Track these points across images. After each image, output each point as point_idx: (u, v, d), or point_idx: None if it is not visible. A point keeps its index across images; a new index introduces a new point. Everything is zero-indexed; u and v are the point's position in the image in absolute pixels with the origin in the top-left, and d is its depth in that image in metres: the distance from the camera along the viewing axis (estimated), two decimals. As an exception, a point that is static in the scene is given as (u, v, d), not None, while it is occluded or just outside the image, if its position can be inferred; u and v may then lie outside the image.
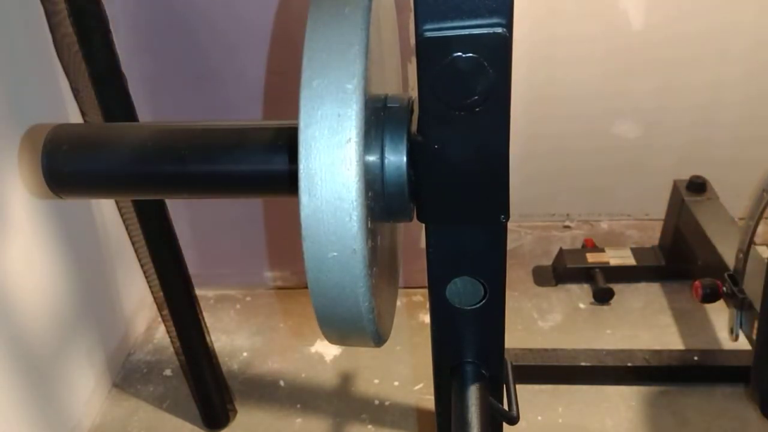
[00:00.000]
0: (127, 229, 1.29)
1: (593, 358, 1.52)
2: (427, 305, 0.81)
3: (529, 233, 1.95)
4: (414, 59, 0.61)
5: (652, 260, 1.84)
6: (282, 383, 1.61)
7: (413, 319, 1.78)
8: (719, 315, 1.70)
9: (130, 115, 1.16)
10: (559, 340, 1.67)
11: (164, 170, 0.73)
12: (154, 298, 1.36)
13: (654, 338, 1.66)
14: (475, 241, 0.69)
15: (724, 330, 1.66)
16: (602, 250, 1.88)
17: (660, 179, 1.83)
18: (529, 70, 1.67)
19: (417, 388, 1.57)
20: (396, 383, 1.58)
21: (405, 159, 0.64)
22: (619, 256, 1.85)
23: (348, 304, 0.59)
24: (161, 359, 1.70)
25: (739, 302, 1.35)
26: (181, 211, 1.76)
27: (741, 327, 1.36)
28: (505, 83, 0.59)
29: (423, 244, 0.71)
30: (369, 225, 0.57)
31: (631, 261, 1.84)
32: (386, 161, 0.64)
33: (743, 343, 1.39)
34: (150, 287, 1.35)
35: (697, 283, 1.41)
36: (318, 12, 0.58)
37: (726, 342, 1.62)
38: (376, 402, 1.53)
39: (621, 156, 1.81)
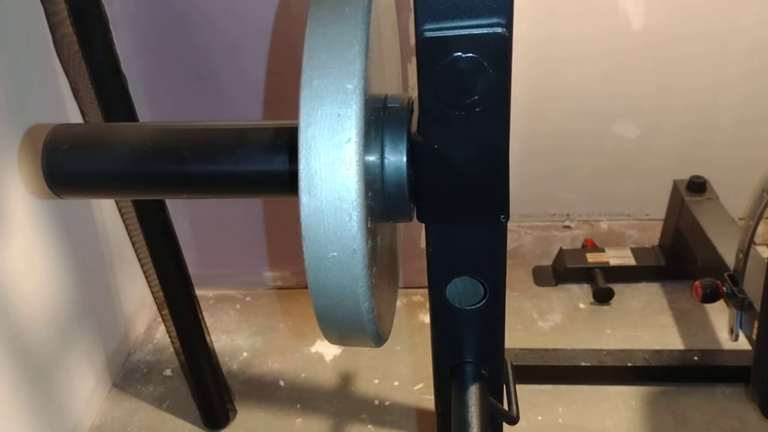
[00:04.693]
0: (127, 229, 1.29)
1: (593, 358, 1.52)
2: (427, 305, 0.81)
3: (529, 233, 1.95)
4: (414, 59, 0.61)
5: (652, 260, 1.85)
6: (282, 383, 1.61)
7: (413, 319, 1.78)
8: (719, 315, 1.70)
9: (130, 115, 1.16)
10: (559, 340, 1.67)
11: (164, 170, 0.73)
12: (154, 298, 1.36)
13: (654, 338, 1.66)
14: (475, 241, 0.69)
15: (724, 330, 1.66)
16: (602, 250, 1.88)
17: (660, 179, 1.83)
18: (529, 69, 1.67)
19: (417, 388, 1.57)
20: (396, 383, 1.58)
21: (405, 159, 0.64)
22: (619, 256, 1.85)
23: (348, 304, 0.59)
24: (161, 359, 1.70)
25: (739, 302, 1.35)
26: (181, 211, 1.76)
27: (741, 327, 1.36)
28: (505, 83, 0.59)
29: (423, 244, 0.71)
30: (369, 225, 0.58)
31: (631, 261, 1.84)
32: (386, 161, 0.64)
33: (743, 343, 1.39)
34: (150, 287, 1.35)
35: (697, 283, 1.41)
36: (318, 12, 0.58)
37: (726, 342, 1.62)
38: (376, 402, 1.53)
39: (621, 156, 1.81)
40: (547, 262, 1.94)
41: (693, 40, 1.63)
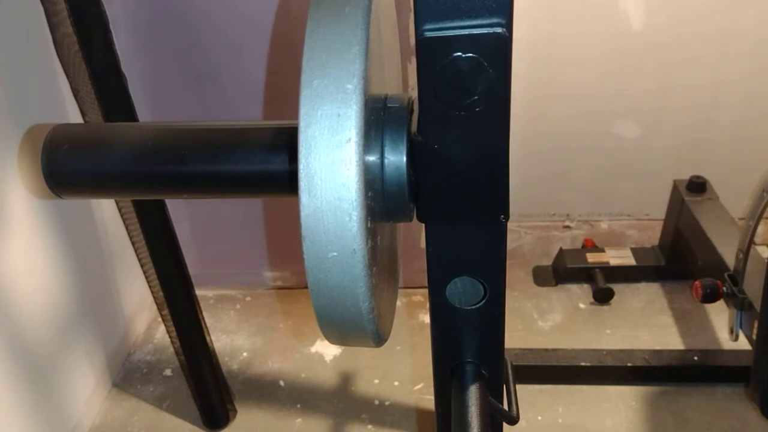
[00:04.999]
0: (127, 229, 1.29)
1: (593, 358, 1.52)
2: (427, 305, 0.81)
3: (529, 233, 1.95)
4: (414, 59, 0.61)
5: (652, 260, 1.84)
6: (282, 383, 1.61)
7: (413, 319, 1.78)
8: (719, 315, 1.70)
9: (130, 115, 1.16)
10: (559, 340, 1.67)
11: (164, 170, 0.73)
12: (154, 298, 1.36)
13: (654, 338, 1.66)
14: (475, 241, 0.69)
15: (724, 330, 1.66)
16: (602, 250, 1.88)
17: (660, 179, 1.83)
18: (529, 69, 1.67)
19: (417, 388, 1.57)
20: (396, 383, 1.58)
21: (405, 159, 0.64)
22: (619, 256, 1.85)
23: (348, 304, 0.59)
24: (161, 359, 1.70)
25: (739, 302, 1.35)
26: (181, 211, 1.76)
27: (741, 327, 1.36)
28: (505, 83, 0.59)
29: (423, 244, 0.71)
30: (369, 225, 0.57)
31: (631, 261, 1.84)
32: (386, 161, 0.64)
33: (743, 343, 1.39)
34: (150, 287, 1.35)
35: (697, 283, 1.41)
36: (318, 12, 0.58)
37: (726, 342, 1.62)
38: (376, 402, 1.53)
39: (621, 156, 1.81)
40: (547, 262, 1.94)
41: (693, 40, 1.63)
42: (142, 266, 1.32)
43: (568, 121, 1.77)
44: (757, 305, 1.27)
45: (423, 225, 0.69)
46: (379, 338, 0.65)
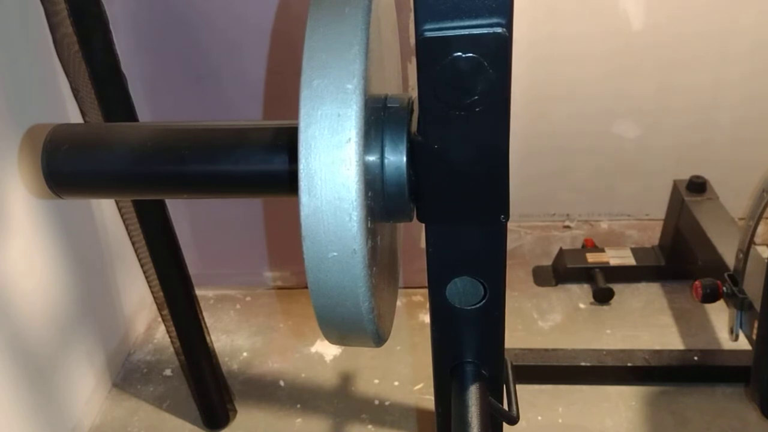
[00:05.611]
0: (127, 229, 1.29)
1: (593, 358, 1.52)
2: (427, 305, 0.81)
3: (529, 233, 1.95)
4: (414, 59, 0.61)
5: (652, 260, 1.85)
6: (282, 383, 1.61)
7: (413, 319, 1.78)
8: (719, 315, 1.70)
9: (130, 115, 1.16)
10: (559, 340, 1.67)
11: (164, 170, 0.73)
12: (154, 298, 1.36)
13: (654, 338, 1.66)
14: (475, 241, 0.69)
15: (724, 330, 1.66)
16: (602, 250, 1.88)
17: (660, 179, 1.83)
18: (529, 69, 1.67)
19: (417, 388, 1.57)
20: (396, 383, 1.58)
21: (405, 159, 0.64)
22: (619, 256, 1.85)
23: (348, 304, 0.59)
24: (161, 359, 1.70)
25: (739, 302, 1.35)
26: (181, 211, 1.76)
27: (741, 327, 1.36)
28: (505, 83, 0.59)
29: (423, 244, 0.71)
30: (369, 225, 0.58)
31: (631, 261, 1.84)
32: (386, 161, 0.64)
33: (743, 343, 1.39)
34: (150, 287, 1.35)
35: (697, 283, 1.41)
36: (318, 12, 0.58)
37: (726, 342, 1.62)
38: (376, 402, 1.53)
39: (621, 156, 1.81)
40: (547, 262, 1.94)
41: (693, 40, 1.63)
42: (142, 266, 1.32)
43: (568, 121, 1.77)
44: (757, 305, 1.27)
45: (423, 225, 0.69)
46: (379, 338, 0.65)
